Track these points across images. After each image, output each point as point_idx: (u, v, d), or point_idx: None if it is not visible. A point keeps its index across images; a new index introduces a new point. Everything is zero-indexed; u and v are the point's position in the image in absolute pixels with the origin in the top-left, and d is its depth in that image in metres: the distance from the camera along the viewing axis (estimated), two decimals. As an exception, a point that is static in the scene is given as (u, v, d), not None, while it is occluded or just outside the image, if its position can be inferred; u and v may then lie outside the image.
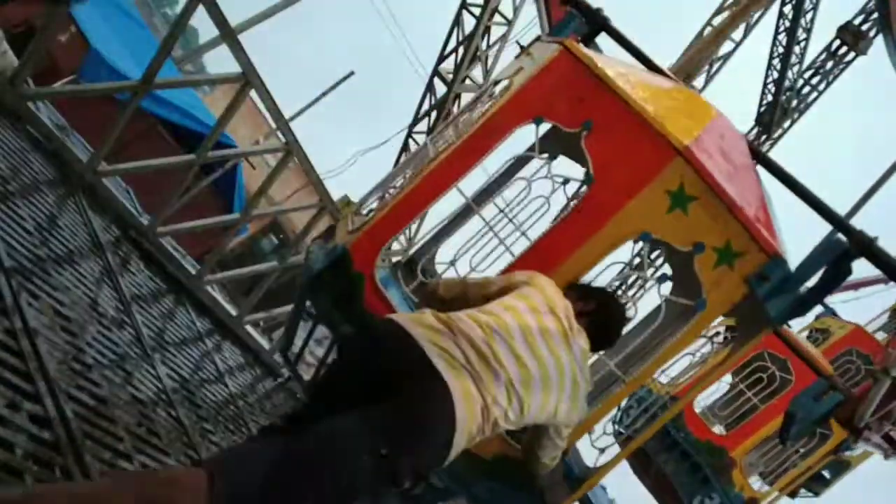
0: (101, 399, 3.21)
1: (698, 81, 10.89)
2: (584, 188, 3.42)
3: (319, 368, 4.20)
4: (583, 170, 3.45)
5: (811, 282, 3.40)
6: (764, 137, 15.18)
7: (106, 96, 8.10)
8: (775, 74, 14.40)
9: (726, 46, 10.38)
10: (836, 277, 3.47)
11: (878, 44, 13.47)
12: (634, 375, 3.64)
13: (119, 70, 10.16)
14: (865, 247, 3.44)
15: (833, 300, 10.50)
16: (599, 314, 3.09)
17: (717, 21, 10.69)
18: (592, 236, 3.36)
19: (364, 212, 3.83)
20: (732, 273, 3.37)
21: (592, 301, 3.11)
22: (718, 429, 8.79)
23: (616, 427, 7.03)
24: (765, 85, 14.67)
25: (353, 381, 2.35)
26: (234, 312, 6.29)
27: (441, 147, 3.63)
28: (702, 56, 10.46)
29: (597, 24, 3.89)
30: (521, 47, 3.97)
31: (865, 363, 9.05)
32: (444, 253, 4.26)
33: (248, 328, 6.44)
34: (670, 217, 3.33)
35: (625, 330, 3.71)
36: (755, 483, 8.95)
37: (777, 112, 14.69)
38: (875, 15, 13.35)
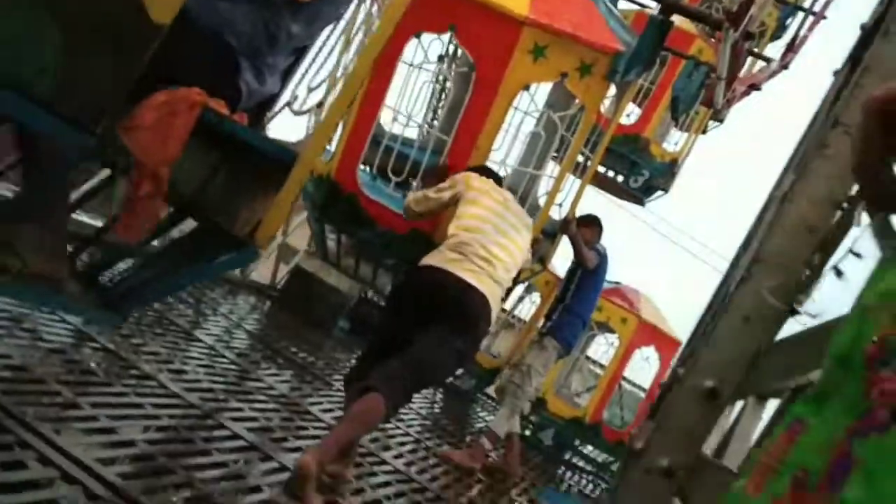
0: (20, 367, 3.15)
1: None
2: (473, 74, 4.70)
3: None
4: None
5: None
6: None
7: None
8: None
9: None
10: (662, 38, 4.89)
11: None
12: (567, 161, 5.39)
13: None
14: (672, 7, 4.93)
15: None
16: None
17: None
18: (493, 104, 4.61)
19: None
20: (594, 78, 4.72)
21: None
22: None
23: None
24: None
25: (422, 304, 3.57)
26: None
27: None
28: None
29: None
30: None
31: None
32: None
33: None
34: (537, 66, 4.59)
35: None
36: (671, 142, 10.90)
37: None
38: None
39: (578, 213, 5.79)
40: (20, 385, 2.98)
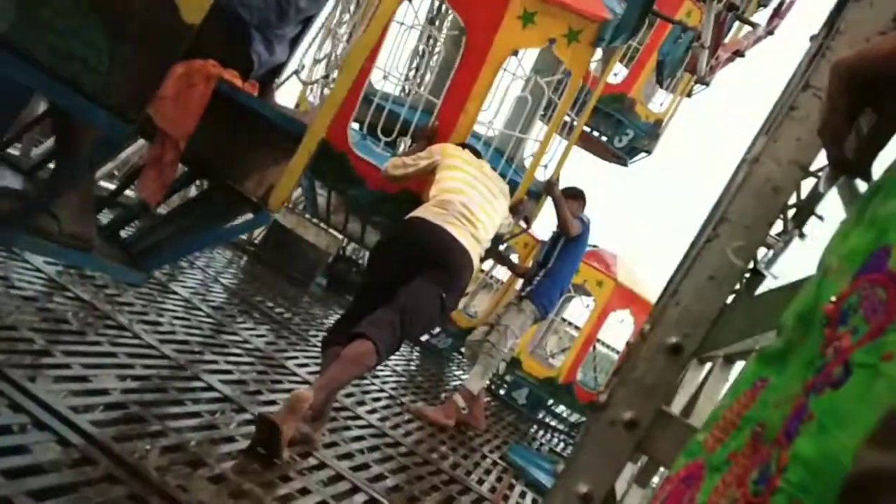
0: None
1: None
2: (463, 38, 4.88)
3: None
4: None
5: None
6: None
7: None
8: None
9: None
10: (649, 7, 5.01)
11: None
12: (552, 124, 5.57)
13: None
14: None
15: None
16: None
17: None
18: (483, 67, 4.77)
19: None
20: (581, 45, 4.95)
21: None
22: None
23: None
24: None
25: (407, 254, 3.70)
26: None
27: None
28: None
29: None
30: None
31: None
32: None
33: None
34: (526, 31, 4.77)
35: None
36: (657, 103, 11.01)
37: None
38: None
39: (564, 176, 5.88)
40: (-9, 334, 2.97)
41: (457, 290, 3.81)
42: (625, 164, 11.41)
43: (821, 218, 0.97)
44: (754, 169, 1.17)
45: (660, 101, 11.20)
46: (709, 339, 1.18)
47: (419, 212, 3.86)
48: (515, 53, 5.33)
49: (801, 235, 0.99)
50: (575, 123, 6.28)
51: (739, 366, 1.79)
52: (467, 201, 3.95)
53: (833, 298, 0.85)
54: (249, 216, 2.74)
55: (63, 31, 1.77)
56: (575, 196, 5.89)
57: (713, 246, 1.17)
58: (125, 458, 2.38)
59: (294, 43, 3.02)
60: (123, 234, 3.17)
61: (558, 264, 5.90)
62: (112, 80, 1.89)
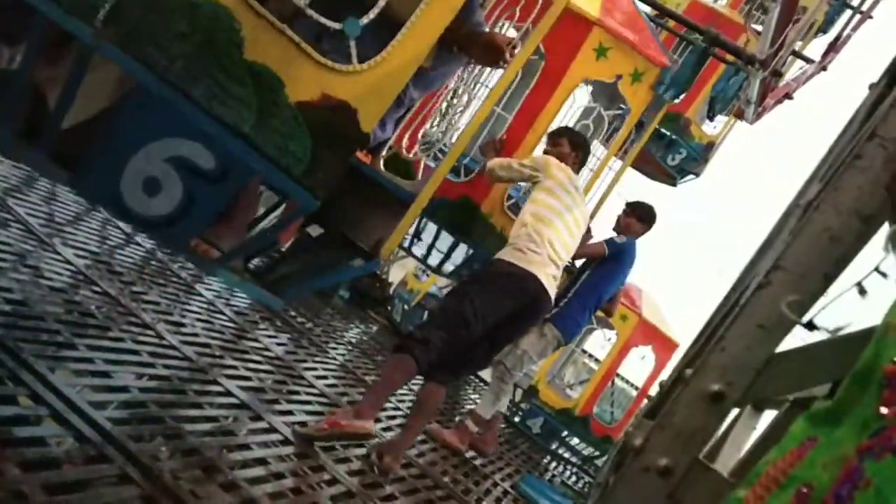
0: (20, 302, 3.15)
1: None
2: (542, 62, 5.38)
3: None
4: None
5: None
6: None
7: None
8: None
9: None
10: (702, 64, 5.62)
11: None
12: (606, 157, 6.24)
13: None
14: (714, 39, 5.65)
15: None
16: (578, 153, 4.60)
17: None
18: (557, 90, 5.34)
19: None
20: (642, 85, 5.54)
21: (572, 147, 4.56)
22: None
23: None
24: None
25: (516, 308, 4.00)
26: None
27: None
28: None
29: None
30: None
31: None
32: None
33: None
34: (598, 63, 5.36)
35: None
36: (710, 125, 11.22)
37: None
38: None
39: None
40: (19, 320, 2.97)
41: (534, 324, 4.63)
42: (674, 184, 11.58)
43: (884, 275, 0.93)
44: (812, 216, 1.14)
45: (713, 123, 11.27)
46: (752, 388, 1.14)
47: (521, 259, 4.03)
48: (587, 83, 5.84)
49: (862, 291, 0.95)
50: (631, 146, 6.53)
51: (769, 414, 1.74)
52: (554, 238, 4.12)
53: (894, 359, 0.81)
54: (360, 261, 3.34)
55: (284, 135, 2.47)
56: (640, 215, 5.72)
57: (764, 294, 1.13)
58: (140, 458, 2.36)
59: (397, 123, 3.65)
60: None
61: (587, 286, 5.56)
62: (310, 170, 2.54)
